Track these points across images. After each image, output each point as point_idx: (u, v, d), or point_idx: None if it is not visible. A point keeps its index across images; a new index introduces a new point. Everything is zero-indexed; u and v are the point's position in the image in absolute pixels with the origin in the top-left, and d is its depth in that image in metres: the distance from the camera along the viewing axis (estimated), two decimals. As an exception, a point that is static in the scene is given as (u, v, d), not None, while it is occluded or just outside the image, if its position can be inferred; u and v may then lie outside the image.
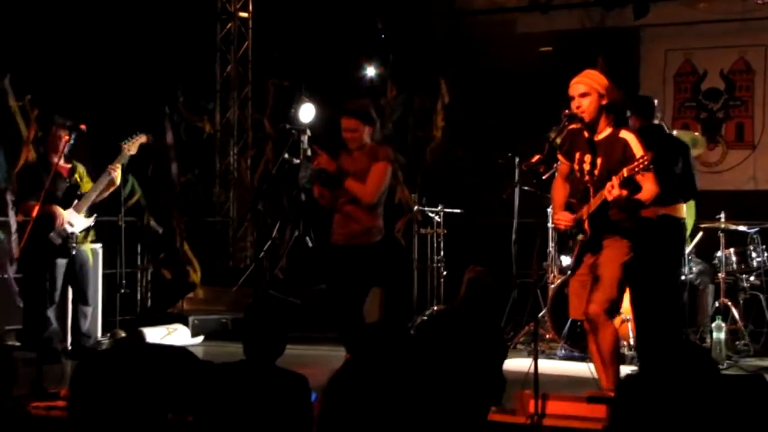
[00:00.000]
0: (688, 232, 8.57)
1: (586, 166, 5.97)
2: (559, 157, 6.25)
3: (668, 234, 7.19)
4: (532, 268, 6.73)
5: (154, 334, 9.31)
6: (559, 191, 6.24)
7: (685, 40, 10.89)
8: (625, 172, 5.63)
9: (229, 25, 12.40)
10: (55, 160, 8.20)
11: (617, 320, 6.17)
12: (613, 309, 5.97)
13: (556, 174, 6.37)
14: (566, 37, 11.01)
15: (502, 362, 2.75)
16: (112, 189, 8.46)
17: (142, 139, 8.44)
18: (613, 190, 5.64)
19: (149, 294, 10.82)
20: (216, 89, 12.41)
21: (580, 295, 6.04)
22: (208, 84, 12.29)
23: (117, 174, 8.31)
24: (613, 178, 5.66)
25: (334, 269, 6.97)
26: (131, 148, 8.36)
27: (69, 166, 8.52)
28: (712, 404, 2.36)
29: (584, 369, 7.63)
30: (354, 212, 6.88)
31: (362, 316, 6.96)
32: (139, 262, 10.61)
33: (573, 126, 6.02)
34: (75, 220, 8.34)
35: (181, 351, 4.89)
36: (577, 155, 6.03)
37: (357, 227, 6.88)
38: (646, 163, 5.54)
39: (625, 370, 6.36)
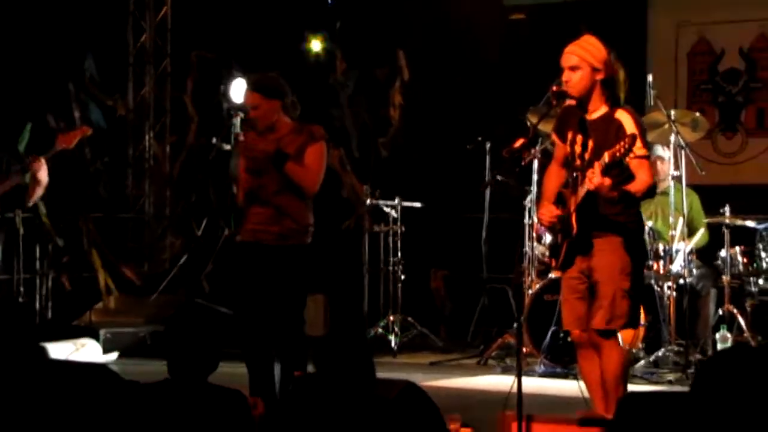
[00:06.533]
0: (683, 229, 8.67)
1: (578, 149, 5.98)
2: (554, 138, 6.26)
3: None
4: (514, 271, 6.73)
5: (59, 351, 9.21)
6: (552, 179, 6.22)
7: (699, 12, 10.98)
8: (606, 156, 5.64)
9: (144, -14, 12.32)
10: None
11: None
12: (625, 324, 5.97)
13: (552, 159, 6.37)
14: (559, 9, 11.05)
15: None
16: (39, 189, 8.29)
17: (86, 132, 8.28)
18: (593, 177, 5.65)
19: (50, 303, 10.69)
20: (128, 62, 12.30)
21: (570, 301, 6.05)
22: (119, 56, 12.17)
23: (42, 171, 8.12)
24: (596, 163, 5.68)
25: (256, 275, 6.66)
26: (67, 141, 8.18)
27: None
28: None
29: (569, 387, 7.71)
30: (289, 205, 6.64)
31: (300, 332, 6.84)
32: (37, 267, 10.48)
33: (568, 102, 6.03)
34: None
35: (101, 369, 4.84)
36: (570, 135, 6.05)
37: (292, 224, 6.65)
38: (627, 145, 5.55)
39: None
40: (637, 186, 5.77)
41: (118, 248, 11.65)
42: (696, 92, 11.07)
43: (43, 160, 8.14)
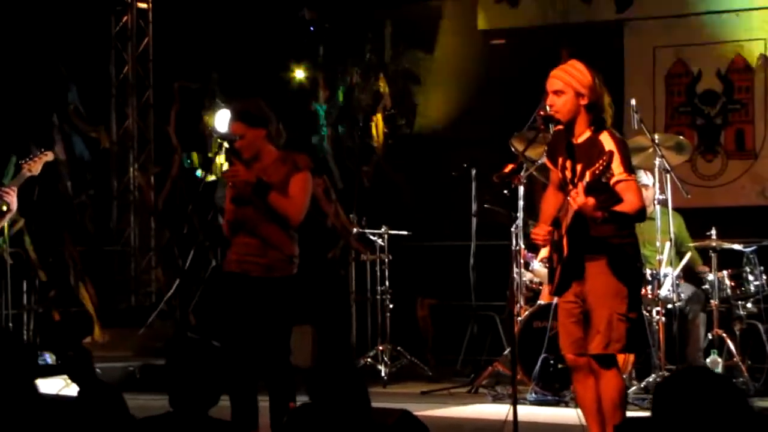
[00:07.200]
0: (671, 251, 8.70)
1: (568, 174, 6.02)
2: (548, 163, 6.30)
3: None
4: (507, 299, 6.74)
5: (50, 386, 9.16)
6: (549, 203, 6.25)
7: (675, 34, 11.04)
8: (587, 175, 5.67)
9: (126, 18, 12.31)
10: None
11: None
12: (624, 347, 5.98)
13: (549, 183, 6.41)
14: (537, 33, 11.10)
15: None
16: (9, 216, 8.31)
17: (48, 157, 8.31)
18: (577, 197, 5.67)
19: (37, 339, 10.67)
20: (111, 93, 12.31)
21: (566, 325, 6.06)
22: (102, 88, 12.19)
23: (12, 199, 8.16)
24: (579, 183, 5.71)
25: (242, 307, 6.64)
26: (33, 167, 8.22)
27: None
28: None
29: (561, 414, 7.74)
30: (274, 236, 6.62)
31: (287, 363, 6.84)
32: (24, 302, 10.46)
33: (558, 127, 6.08)
34: None
35: (114, 395, 4.82)
36: (560, 161, 6.09)
37: (278, 255, 6.63)
38: (606, 162, 5.59)
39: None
40: (625, 207, 5.77)
41: (104, 281, 11.64)
42: (675, 115, 11.12)
43: (13, 189, 8.19)
